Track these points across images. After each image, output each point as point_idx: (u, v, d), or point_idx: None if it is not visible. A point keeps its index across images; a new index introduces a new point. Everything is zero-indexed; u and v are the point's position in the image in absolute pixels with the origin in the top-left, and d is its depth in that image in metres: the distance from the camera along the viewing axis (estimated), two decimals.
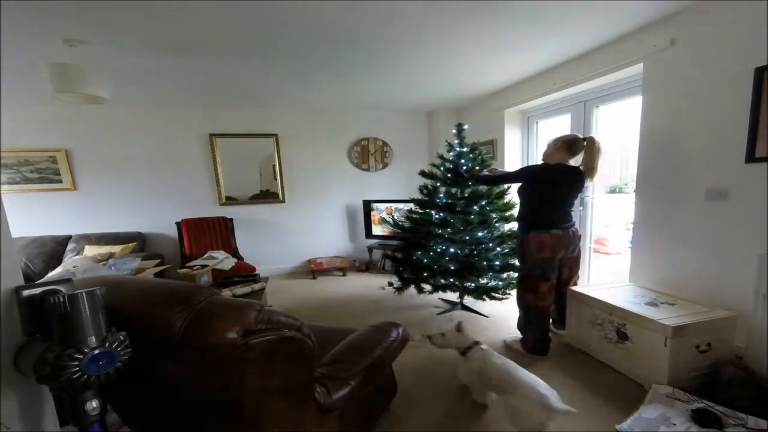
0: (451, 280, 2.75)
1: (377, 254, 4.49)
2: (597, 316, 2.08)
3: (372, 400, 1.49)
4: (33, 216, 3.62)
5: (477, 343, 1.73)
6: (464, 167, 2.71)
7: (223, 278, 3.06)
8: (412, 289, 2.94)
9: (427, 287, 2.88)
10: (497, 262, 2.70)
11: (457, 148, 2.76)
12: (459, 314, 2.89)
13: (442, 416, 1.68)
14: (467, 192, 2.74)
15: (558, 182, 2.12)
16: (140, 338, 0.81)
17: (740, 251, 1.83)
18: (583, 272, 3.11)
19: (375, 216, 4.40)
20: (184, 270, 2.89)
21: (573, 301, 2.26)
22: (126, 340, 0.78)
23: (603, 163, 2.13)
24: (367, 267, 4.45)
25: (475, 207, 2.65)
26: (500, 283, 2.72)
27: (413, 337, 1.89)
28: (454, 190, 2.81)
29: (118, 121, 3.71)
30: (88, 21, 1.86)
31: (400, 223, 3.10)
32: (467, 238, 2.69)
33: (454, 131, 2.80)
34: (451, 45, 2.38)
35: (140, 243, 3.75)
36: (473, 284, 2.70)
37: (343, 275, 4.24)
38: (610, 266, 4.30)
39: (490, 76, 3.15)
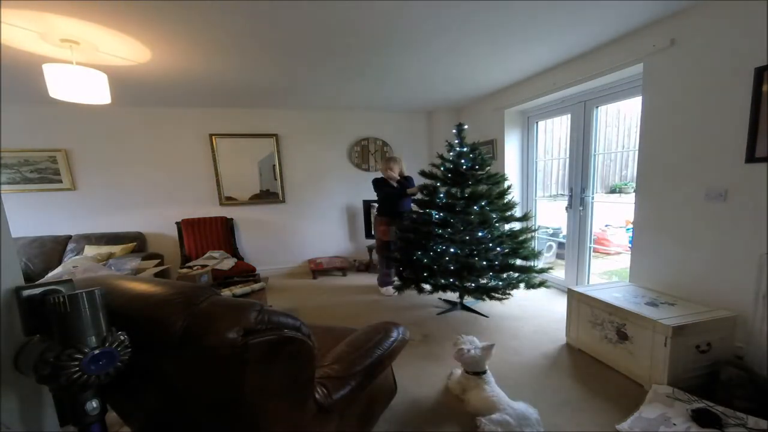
0: (451, 280, 2.75)
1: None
2: (597, 316, 2.09)
3: (372, 400, 1.48)
4: (33, 216, 3.62)
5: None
6: (464, 167, 2.71)
7: (223, 278, 3.07)
8: (412, 289, 2.94)
9: (427, 287, 2.88)
10: (497, 262, 2.70)
11: (457, 148, 2.76)
12: (459, 314, 2.89)
13: (441, 416, 1.68)
14: (467, 192, 2.74)
15: None
16: (140, 338, 0.81)
17: (740, 251, 1.83)
18: (582, 272, 3.11)
19: None
20: (184, 270, 2.89)
21: (573, 301, 2.26)
22: (126, 340, 0.78)
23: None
24: (367, 267, 4.45)
25: (475, 207, 2.64)
26: (500, 283, 2.72)
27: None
28: (454, 190, 2.81)
29: (118, 121, 3.71)
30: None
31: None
32: (467, 238, 2.69)
33: (454, 131, 2.80)
34: (451, 45, 2.38)
35: (140, 243, 3.75)
36: (473, 284, 2.70)
37: (343, 275, 4.24)
38: (609, 266, 4.29)
39: (490, 76, 3.15)
